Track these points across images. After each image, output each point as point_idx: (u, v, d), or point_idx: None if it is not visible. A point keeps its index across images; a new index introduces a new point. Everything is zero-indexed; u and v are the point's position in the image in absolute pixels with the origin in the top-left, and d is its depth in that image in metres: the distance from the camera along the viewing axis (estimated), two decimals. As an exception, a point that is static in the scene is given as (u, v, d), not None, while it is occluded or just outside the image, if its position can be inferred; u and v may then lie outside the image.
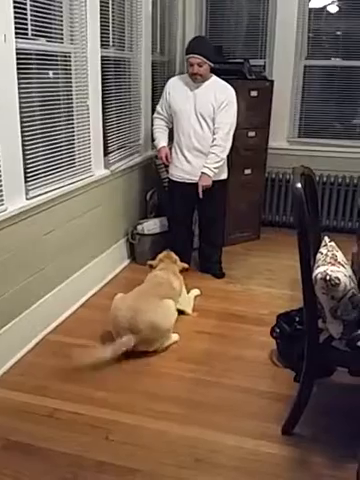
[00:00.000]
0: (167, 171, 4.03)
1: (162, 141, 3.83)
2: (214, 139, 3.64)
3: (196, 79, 3.60)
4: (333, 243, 2.24)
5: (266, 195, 5.15)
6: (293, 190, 1.98)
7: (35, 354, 2.87)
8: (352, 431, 2.26)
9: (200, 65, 3.52)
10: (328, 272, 1.91)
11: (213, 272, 4.04)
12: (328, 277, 1.90)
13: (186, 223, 4.02)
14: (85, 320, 3.26)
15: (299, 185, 1.97)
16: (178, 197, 3.87)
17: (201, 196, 3.68)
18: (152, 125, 3.95)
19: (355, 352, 2.01)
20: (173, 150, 3.82)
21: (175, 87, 3.74)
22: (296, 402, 2.20)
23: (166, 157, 3.80)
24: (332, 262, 2.01)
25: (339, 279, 1.90)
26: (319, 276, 1.92)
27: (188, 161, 3.73)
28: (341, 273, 1.93)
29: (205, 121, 3.64)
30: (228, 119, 3.63)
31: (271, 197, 5.23)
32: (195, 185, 3.69)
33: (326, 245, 2.21)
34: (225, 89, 3.66)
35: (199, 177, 3.66)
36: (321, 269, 1.94)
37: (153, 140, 4.01)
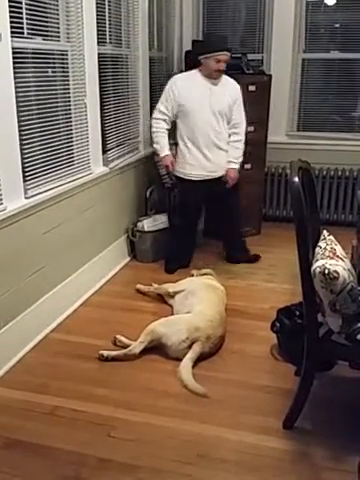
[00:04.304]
0: (170, 177, 4.01)
1: (166, 148, 3.78)
2: (235, 134, 3.80)
3: (217, 76, 3.64)
4: (332, 237, 2.24)
5: (266, 190, 5.15)
6: (290, 184, 1.98)
7: (37, 353, 2.87)
8: (353, 424, 2.27)
9: (226, 62, 3.58)
10: (327, 266, 1.91)
11: (248, 259, 4.18)
12: (327, 271, 1.90)
13: (196, 220, 4.11)
14: (86, 318, 3.27)
15: (296, 179, 1.97)
16: (194, 195, 3.87)
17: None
18: (151, 127, 3.82)
19: (354, 346, 2.01)
20: (185, 149, 3.77)
21: (185, 86, 3.68)
22: (297, 396, 2.20)
23: (171, 163, 3.81)
24: (331, 256, 2.01)
25: (338, 273, 1.89)
26: (318, 270, 1.92)
27: (207, 158, 3.77)
28: (340, 267, 1.93)
29: (221, 118, 3.72)
30: (243, 114, 3.82)
31: (271, 192, 5.22)
32: (213, 180, 3.79)
33: (325, 239, 2.20)
34: (235, 85, 3.79)
35: (227, 173, 3.80)
36: (320, 263, 1.94)
37: (152, 143, 3.94)
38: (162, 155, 3.79)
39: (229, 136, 3.81)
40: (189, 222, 4.01)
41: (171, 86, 3.71)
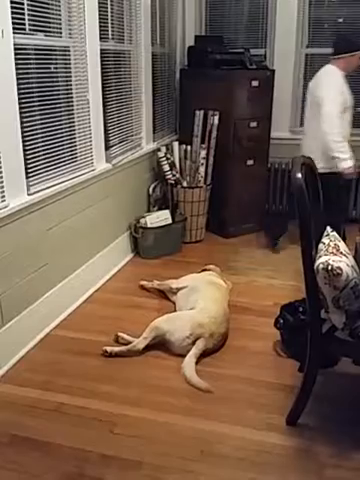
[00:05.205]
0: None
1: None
2: None
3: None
4: (335, 233, 2.23)
5: (269, 186, 5.13)
6: (293, 180, 1.97)
7: (40, 349, 2.88)
8: (357, 421, 2.27)
9: None
10: (330, 262, 1.90)
11: None
12: (330, 267, 1.89)
13: None
14: (90, 315, 3.27)
15: (299, 175, 1.96)
16: None
17: None
18: (333, 135, 3.62)
19: (358, 342, 2.01)
20: (348, 144, 3.75)
21: (343, 84, 3.76)
22: (300, 392, 2.20)
23: None
24: (334, 252, 2.01)
25: (341, 269, 1.89)
26: (321, 266, 1.91)
27: None
28: (343, 263, 1.92)
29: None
30: None
31: (274, 188, 5.21)
32: None
33: (328, 235, 2.20)
34: None
35: None
36: (323, 259, 1.94)
37: (333, 154, 3.68)
38: (350, 165, 3.68)
39: None
40: None
41: (339, 87, 3.70)
